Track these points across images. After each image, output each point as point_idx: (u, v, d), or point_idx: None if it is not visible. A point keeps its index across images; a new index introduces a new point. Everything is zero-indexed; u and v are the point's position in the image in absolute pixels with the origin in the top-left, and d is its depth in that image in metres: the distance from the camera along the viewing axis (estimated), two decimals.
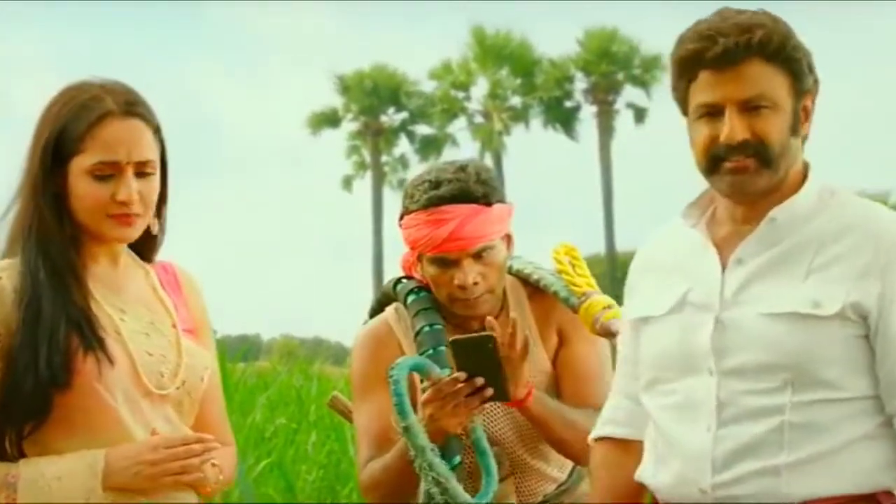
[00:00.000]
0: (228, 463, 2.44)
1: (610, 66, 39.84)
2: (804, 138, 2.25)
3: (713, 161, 2.20)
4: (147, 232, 2.36)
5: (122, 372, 2.26)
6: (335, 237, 71.70)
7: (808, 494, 2.12)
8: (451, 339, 2.67)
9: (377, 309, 3.07)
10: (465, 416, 2.69)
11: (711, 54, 2.16)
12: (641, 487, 2.34)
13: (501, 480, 2.84)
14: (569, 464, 2.95)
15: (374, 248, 40.74)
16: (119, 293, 2.36)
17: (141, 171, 2.29)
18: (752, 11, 2.21)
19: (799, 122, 2.22)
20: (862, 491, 2.13)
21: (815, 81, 2.24)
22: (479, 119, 41.03)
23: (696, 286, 2.25)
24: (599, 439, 2.47)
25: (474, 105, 41.09)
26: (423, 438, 2.63)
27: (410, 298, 2.93)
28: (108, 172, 2.27)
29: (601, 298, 2.86)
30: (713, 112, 2.19)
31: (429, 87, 41.68)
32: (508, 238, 2.88)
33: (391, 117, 42.23)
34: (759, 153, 2.17)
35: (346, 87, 41.73)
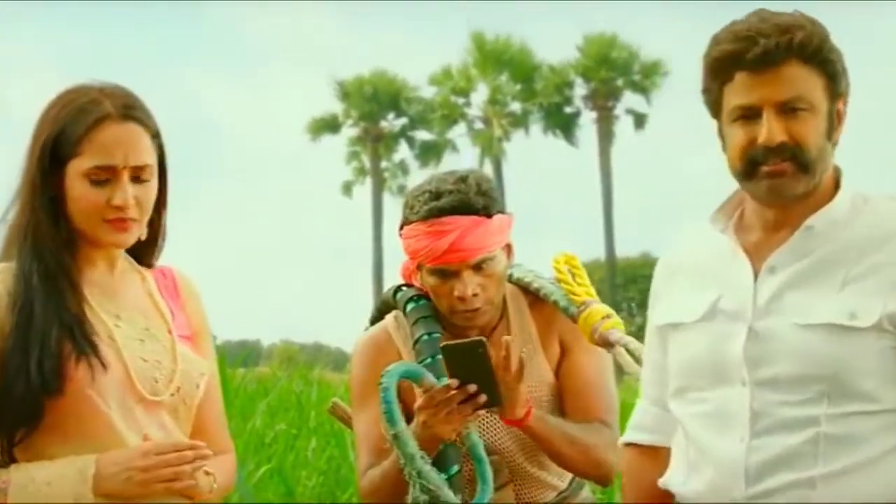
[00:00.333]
0: (227, 470, 2.43)
1: (610, 71, 39.80)
2: (835, 143, 2.21)
3: (750, 165, 2.16)
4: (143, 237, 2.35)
5: (115, 378, 2.25)
6: (335, 243, 71.61)
7: None
8: (441, 345, 2.67)
9: (377, 316, 3.08)
10: (458, 422, 2.68)
11: (751, 55, 2.13)
12: (669, 494, 2.32)
13: (501, 488, 2.85)
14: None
15: (373, 253, 40.71)
16: (114, 298, 2.35)
17: (137, 176, 2.28)
18: (789, 13, 2.17)
19: (833, 125, 2.19)
20: None
21: (848, 84, 2.21)
22: (478, 125, 41.00)
23: (726, 294, 2.22)
24: (627, 445, 2.46)
25: (474, 111, 41.08)
26: (412, 446, 2.63)
27: (410, 307, 2.93)
28: (104, 177, 2.26)
29: (600, 308, 2.85)
30: (749, 114, 2.15)
31: (429, 92, 41.69)
32: (508, 248, 2.88)
33: (391, 123, 42.21)
34: (796, 157, 2.14)
35: (345, 92, 41.70)
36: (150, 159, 2.31)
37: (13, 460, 2.25)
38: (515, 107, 40.99)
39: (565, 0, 55.94)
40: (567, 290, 2.90)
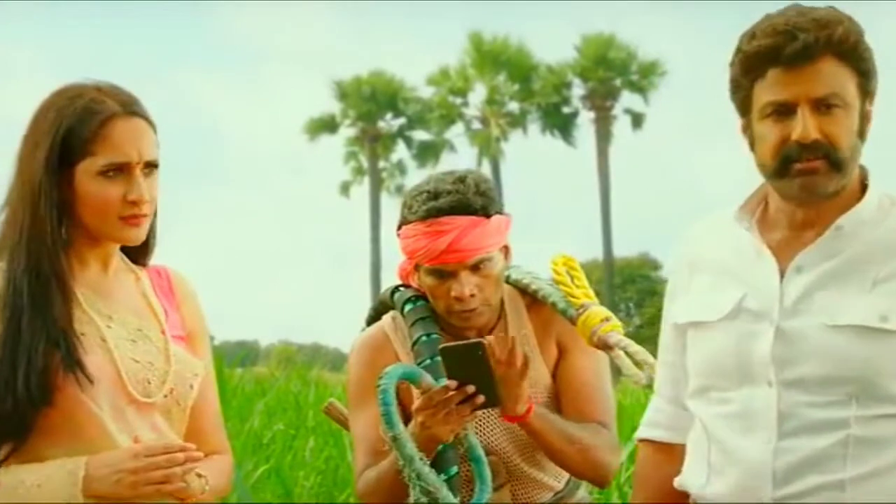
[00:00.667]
0: (223, 471, 2.42)
1: (607, 71, 39.84)
2: (864, 142, 2.19)
3: (783, 162, 2.13)
4: None
5: (106, 381, 2.24)
6: (333, 243, 71.70)
7: None
8: (440, 347, 2.66)
9: (374, 317, 3.07)
10: (456, 423, 2.67)
11: (790, 49, 2.10)
12: (682, 492, 2.31)
13: (498, 489, 2.84)
14: (566, 472, 2.95)
15: (371, 253, 40.73)
16: (107, 299, 2.34)
17: (147, 171, 2.29)
18: (824, 8, 2.15)
19: (864, 124, 2.17)
20: None
21: (876, 84, 2.18)
22: (476, 125, 41.04)
23: (751, 292, 2.19)
24: (641, 441, 2.45)
25: (472, 111, 41.13)
26: (410, 448, 2.62)
27: (408, 307, 2.93)
28: (118, 173, 2.26)
29: (599, 310, 2.83)
30: (783, 111, 2.12)
31: (426, 92, 41.74)
32: (506, 249, 2.88)
33: (389, 123, 42.24)
34: (829, 155, 2.11)
35: (343, 92, 41.72)
36: (158, 154, 2.32)
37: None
38: (513, 107, 41.06)
39: (563, 0, 55.94)
40: (565, 292, 2.89)
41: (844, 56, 2.12)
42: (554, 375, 2.93)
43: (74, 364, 2.21)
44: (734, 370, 2.19)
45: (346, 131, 42.00)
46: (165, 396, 2.32)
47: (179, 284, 2.48)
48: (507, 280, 2.95)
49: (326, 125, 41.73)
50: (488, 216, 2.81)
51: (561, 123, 40.54)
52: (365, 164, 41.89)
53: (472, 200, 2.80)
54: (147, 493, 2.20)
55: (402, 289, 2.99)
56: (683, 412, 2.34)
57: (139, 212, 2.28)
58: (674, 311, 2.35)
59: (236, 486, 5.54)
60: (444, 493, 2.63)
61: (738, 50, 2.18)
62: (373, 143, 41.63)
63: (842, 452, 2.09)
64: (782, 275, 2.18)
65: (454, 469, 2.73)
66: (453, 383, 2.63)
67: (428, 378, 2.69)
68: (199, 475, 2.28)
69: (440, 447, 2.71)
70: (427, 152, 41.19)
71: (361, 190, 41.87)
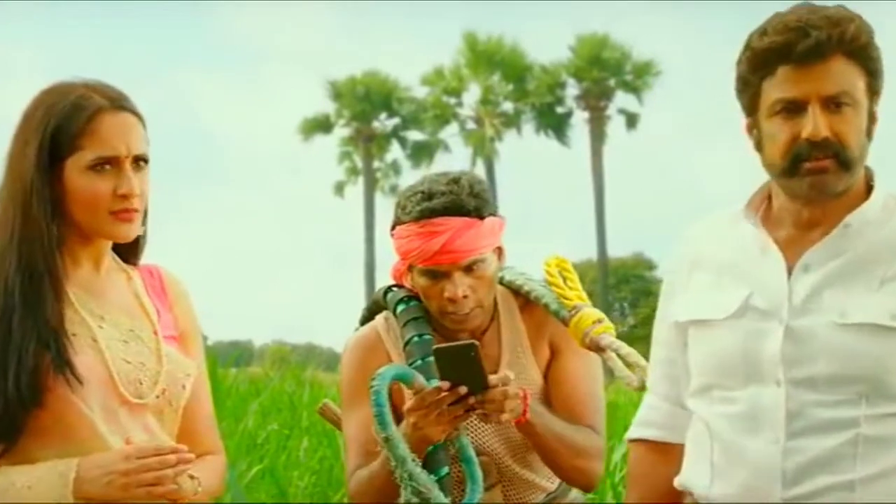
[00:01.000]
0: (216, 471, 2.42)
1: (602, 71, 39.85)
2: (870, 142, 2.19)
3: (794, 161, 2.13)
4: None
5: (97, 382, 2.24)
6: (327, 243, 71.63)
7: None
8: (434, 348, 2.66)
9: (368, 317, 3.07)
10: (448, 424, 2.67)
11: (803, 47, 2.10)
12: (678, 492, 2.30)
13: (489, 489, 2.84)
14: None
15: (366, 253, 40.70)
16: (99, 299, 2.33)
17: (137, 165, 2.28)
18: (835, 7, 2.15)
19: (871, 124, 2.17)
20: None
21: (883, 84, 2.18)
22: (471, 125, 41.02)
23: (758, 290, 2.19)
24: (634, 441, 2.44)
25: (466, 111, 41.11)
26: (403, 449, 2.62)
27: (400, 308, 2.93)
28: (107, 167, 2.25)
29: (591, 312, 2.83)
30: (792, 109, 2.12)
31: (421, 92, 41.72)
32: (500, 251, 2.88)
33: (383, 123, 42.22)
34: (839, 154, 2.11)
35: (338, 93, 41.69)
36: (147, 148, 2.31)
37: None
38: (507, 107, 41.05)
39: (557, 0, 55.97)
40: (558, 294, 2.89)
41: (855, 55, 2.12)
42: (546, 377, 2.93)
43: (64, 365, 2.20)
44: (741, 369, 2.17)
45: (341, 131, 42.02)
46: (157, 397, 2.31)
47: (172, 284, 2.47)
48: (501, 281, 2.95)
49: (320, 125, 41.70)
50: (482, 218, 2.81)
51: (555, 123, 40.54)
52: (359, 164, 41.88)
53: (466, 202, 2.80)
54: (138, 495, 2.19)
55: (395, 289, 2.99)
56: (680, 410, 2.33)
57: (130, 206, 2.27)
58: (673, 310, 2.34)
59: (230, 486, 5.54)
60: (436, 493, 2.63)
61: (747, 47, 2.17)
62: (367, 143, 41.61)
63: (851, 452, 2.08)
64: (789, 273, 2.18)
65: (445, 469, 2.73)
66: (446, 384, 2.63)
67: (420, 379, 2.69)
68: (192, 477, 2.27)
69: (431, 448, 2.71)
70: (421, 152, 41.18)
71: (356, 190, 41.90)
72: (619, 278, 42.81)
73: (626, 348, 2.78)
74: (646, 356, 2.61)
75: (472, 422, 2.84)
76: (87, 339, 2.26)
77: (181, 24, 66.27)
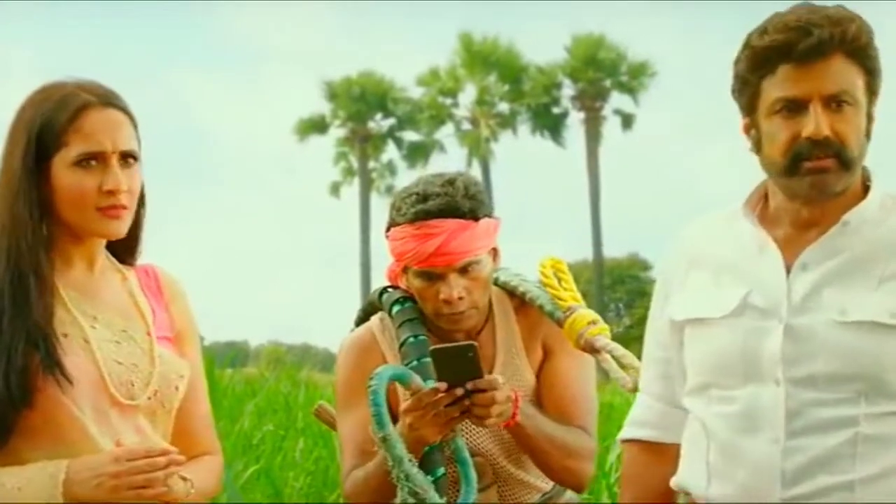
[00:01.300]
0: (212, 472, 2.41)
1: (597, 72, 39.86)
2: (868, 141, 2.19)
3: (794, 160, 2.12)
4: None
5: (87, 383, 2.22)
6: (323, 243, 71.65)
7: None
8: (431, 349, 2.65)
9: (363, 318, 3.07)
10: (445, 426, 2.67)
11: (804, 45, 2.09)
12: (672, 492, 2.30)
13: (485, 489, 2.84)
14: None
15: (361, 254, 40.71)
16: (93, 299, 2.32)
17: (125, 162, 2.26)
18: (835, 7, 2.15)
19: (870, 123, 2.17)
20: None
21: (881, 85, 2.18)
22: (466, 125, 41.04)
23: (756, 289, 2.18)
24: (628, 441, 2.43)
25: (462, 111, 41.12)
26: (400, 449, 2.62)
27: (395, 309, 2.93)
28: (93, 163, 2.23)
29: (586, 313, 2.83)
30: (792, 108, 2.12)
31: (416, 93, 41.73)
32: (495, 252, 2.88)
33: (379, 123, 42.22)
34: (839, 154, 2.11)
35: (333, 93, 41.69)
36: (136, 145, 2.29)
37: None
38: (503, 107, 41.08)
39: (553, 0, 55.99)
40: (553, 295, 2.88)
41: (855, 54, 2.12)
42: (538, 377, 2.93)
43: (53, 365, 2.19)
44: (739, 368, 2.16)
45: (336, 132, 42.02)
46: (149, 398, 2.29)
47: (168, 284, 2.45)
48: (496, 282, 2.95)
49: (316, 125, 41.69)
50: (477, 219, 2.81)
51: (551, 124, 40.55)
52: (355, 164, 41.87)
53: (461, 203, 2.80)
54: (127, 497, 2.17)
55: (390, 290, 2.99)
56: (674, 410, 2.33)
57: (117, 202, 2.25)
58: (669, 309, 2.32)
59: (226, 486, 5.54)
60: (432, 494, 2.63)
61: (747, 46, 2.17)
62: (363, 143, 41.60)
63: (850, 451, 2.08)
64: (787, 271, 2.17)
65: (441, 470, 2.72)
66: (443, 385, 2.63)
67: (417, 380, 2.69)
68: (184, 478, 2.26)
69: (427, 448, 2.71)
70: (417, 153, 41.18)
71: (351, 191, 41.90)
72: (614, 279, 42.82)
73: (620, 350, 2.78)
74: (641, 357, 2.60)
75: (467, 423, 2.84)
76: (78, 340, 2.25)
77: (180, 24, 66.29)
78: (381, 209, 37.34)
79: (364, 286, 38.93)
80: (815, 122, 2.10)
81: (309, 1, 65.46)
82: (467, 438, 2.85)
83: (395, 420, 2.70)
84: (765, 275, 2.19)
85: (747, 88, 2.18)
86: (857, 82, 2.13)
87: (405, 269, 2.88)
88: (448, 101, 41.01)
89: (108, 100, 2.28)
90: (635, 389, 2.60)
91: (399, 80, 42.25)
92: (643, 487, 2.39)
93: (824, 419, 2.09)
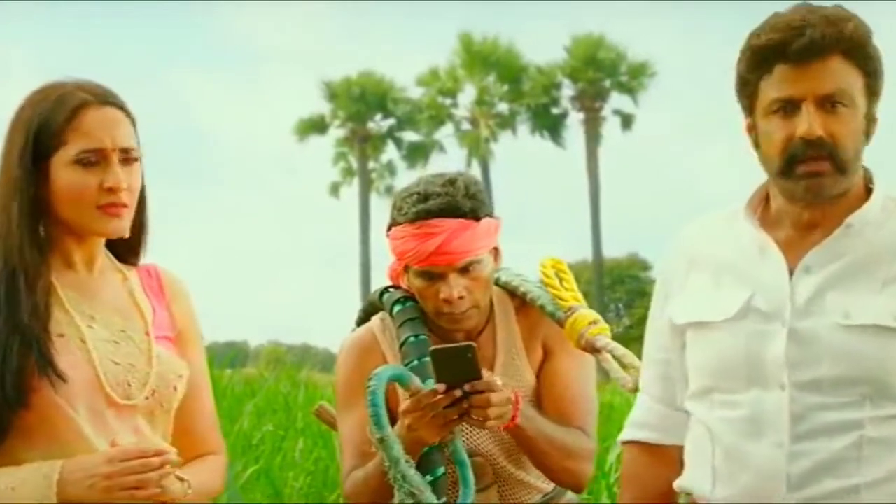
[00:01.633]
0: (216, 472, 2.40)
1: (597, 72, 39.86)
2: (868, 144, 2.18)
3: (789, 161, 2.11)
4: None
5: (83, 383, 2.21)
6: (323, 243, 71.66)
7: None
8: (430, 349, 2.65)
9: (364, 318, 3.07)
10: (444, 427, 2.67)
11: (798, 45, 2.09)
12: (672, 493, 2.29)
13: (484, 490, 2.84)
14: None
15: (361, 254, 40.70)
16: (92, 299, 2.31)
17: (125, 160, 2.25)
18: (833, 7, 2.15)
19: (870, 125, 2.16)
20: None
21: (882, 86, 2.17)
22: (466, 126, 41.04)
23: (759, 292, 2.17)
24: (628, 442, 2.42)
25: (461, 112, 41.12)
26: (397, 450, 2.62)
27: (396, 308, 2.93)
28: (93, 161, 2.23)
29: (587, 313, 2.83)
30: (788, 108, 2.11)
31: (416, 93, 41.72)
32: (496, 252, 2.88)
33: (378, 124, 42.21)
34: (833, 156, 2.10)
35: (333, 93, 41.68)
36: (135, 143, 2.28)
37: None
38: (503, 108, 41.07)
39: (553, 1, 55.99)
40: (554, 295, 2.89)
41: (852, 55, 2.11)
42: (538, 377, 2.93)
43: (47, 365, 2.18)
44: (743, 372, 2.15)
45: (336, 132, 42.01)
46: (147, 398, 2.28)
47: (170, 283, 2.44)
48: (497, 282, 2.95)
49: (316, 126, 41.69)
50: (478, 219, 2.81)
51: (550, 124, 40.55)
52: (354, 164, 41.86)
53: (462, 203, 2.80)
54: (121, 497, 2.16)
55: (391, 290, 2.99)
56: (673, 412, 2.32)
57: (117, 200, 2.24)
58: (669, 311, 2.31)
59: (226, 486, 5.54)
60: (428, 494, 2.63)
61: (746, 46, 2.17)
62: (362, 143, 41.60)
63: (856, 455, 2.07)
64: (789, 274, 2.16)
65: (441, 470, 2.72)
66: (442, 386, 2.63)
67: (416, 381, 2.69)
68: (181, 479, 2.24)
69: (426, 449, 2.71)
70: (416, 153, 41.18)
71: (351, 191, 41.88)
72: (614, 279, 42.82)
73: (621, 349, 2.78)
74: (641, 356, 2.60)
75: (466, 424, 2.84)
76: (75, 341, 2.24)
77: (179, 24, 66.29)
78: (380, 209, 37.41)
79: (364, 286, 38.94)
80: (808, 122, 2.09)
81: (309, 1, 65.50)
82: (467, 438, 2.85)
83: (395, 420, 2.71)
84: (767, 277, 2.18)
85: (747, 88, 2.18)
86: (855, 83, 2.12)
87: (406, 269, 2.88)
88: (448, 101, 41.02)
89: (106, 98, 2.28)
90: (636, 389, 2.60)
91: (399, 81, 42.31)
92: (643, 488, 2.39)
93: (829, 423, 2.08)
